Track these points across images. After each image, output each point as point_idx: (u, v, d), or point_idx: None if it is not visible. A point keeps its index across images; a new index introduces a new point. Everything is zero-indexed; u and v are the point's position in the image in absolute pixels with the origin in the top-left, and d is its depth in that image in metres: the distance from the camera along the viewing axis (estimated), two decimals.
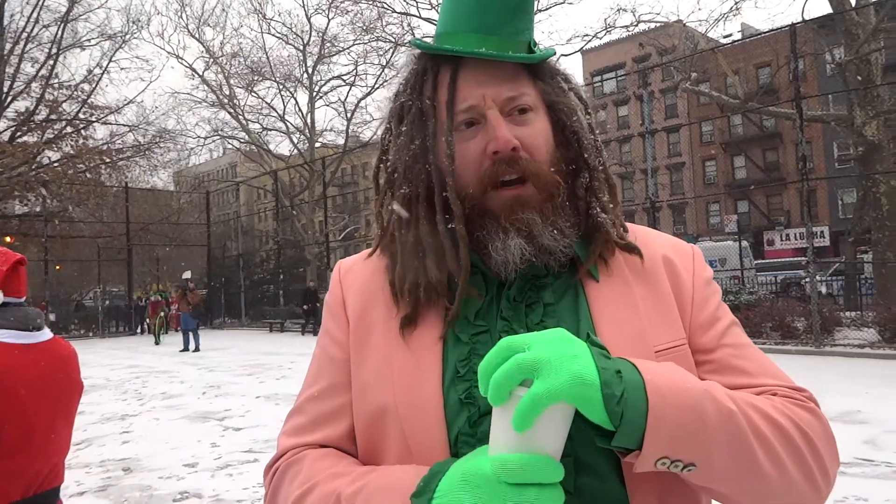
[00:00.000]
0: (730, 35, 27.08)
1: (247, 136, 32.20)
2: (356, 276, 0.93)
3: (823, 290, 18.70)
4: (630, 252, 0.87)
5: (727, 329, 0.88)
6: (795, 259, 25.38)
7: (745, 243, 26.47)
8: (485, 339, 0.81)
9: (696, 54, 19.05)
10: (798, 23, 15.10)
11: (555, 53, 0.88)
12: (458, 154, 0.83)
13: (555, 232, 0.81)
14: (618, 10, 29.06)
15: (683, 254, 0.92)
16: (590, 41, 23.48)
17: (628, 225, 0.93)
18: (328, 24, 42.52)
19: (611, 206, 0.87)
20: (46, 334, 2.11)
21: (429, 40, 0.90)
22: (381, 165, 0.91)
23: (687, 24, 21.40)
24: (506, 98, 0.82)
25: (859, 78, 15.37)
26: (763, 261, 28.88)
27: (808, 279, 14.05)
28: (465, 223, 0.82)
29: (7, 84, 25.88)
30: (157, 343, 21.53)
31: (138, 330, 27.70)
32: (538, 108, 0.85)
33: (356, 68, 31.13)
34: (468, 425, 0.77)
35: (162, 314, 23.38)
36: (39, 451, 2.00)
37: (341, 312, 0.91)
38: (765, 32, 21.35)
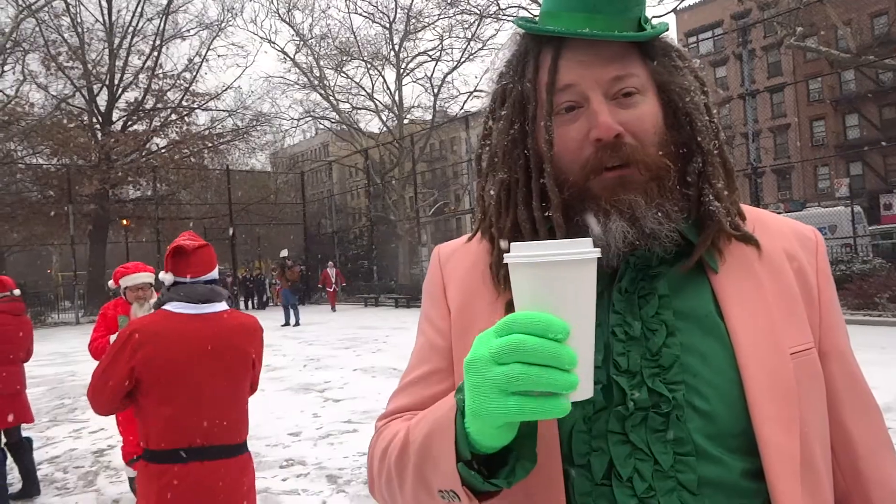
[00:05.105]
0: None
1: (337, 116, 32.85)
2: (457, 264, 0.92)
3: None
4: (747, 243, 0.82)
5: (843, 344, 0.85)
6: None
7: (857, 208, 24.74)
8: (597, 333, 0.77)
9: (801, 7, 17.75)
10: None
11: (667, 29, 0.82)
12: (558, 139, 0.79)
13: (659, 214, 0.76)
14: None
15: (807, 244, 0.87)
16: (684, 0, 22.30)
17: (746, 209, 0.87)
18: (413, 0, 42.47)
19: (725, 192, 0.81)
20: (218, 307, 2.50)
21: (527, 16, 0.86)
22: (484, 149, 0.89)
23: None
24: (611, 79, 0.78)
25: None
26: (879, 226, 26.89)
27: None
28: (562, 210, 0.79)
29: (117, 76, 27.62)
30: None
31: (241, 305, 29.20)
32: (647, 90, 0.80)
33: (441, 43, 30.95)
34: (583, 422, 0.75)
35: None
36: (197, 404, 2.36)
37: (442, 299, 0.91)
38: None
